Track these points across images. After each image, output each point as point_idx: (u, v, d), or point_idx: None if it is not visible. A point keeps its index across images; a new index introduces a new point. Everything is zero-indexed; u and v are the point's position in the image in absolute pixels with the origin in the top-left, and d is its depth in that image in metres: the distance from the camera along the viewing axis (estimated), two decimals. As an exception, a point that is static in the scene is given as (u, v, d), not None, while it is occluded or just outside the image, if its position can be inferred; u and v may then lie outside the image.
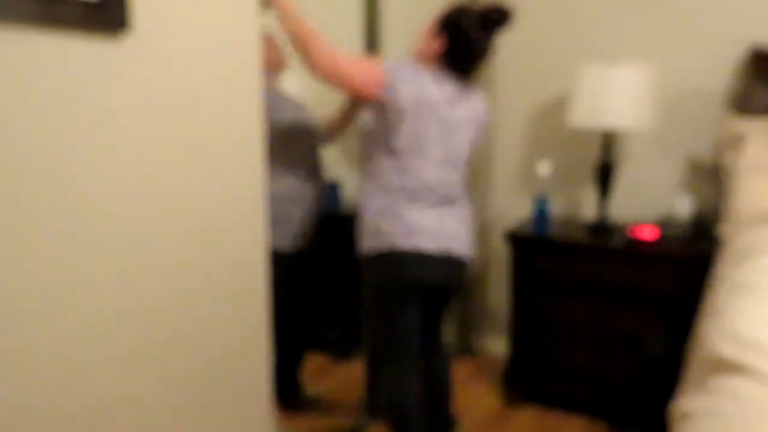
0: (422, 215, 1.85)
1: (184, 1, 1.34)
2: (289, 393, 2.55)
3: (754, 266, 1.69)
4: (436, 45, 1.87)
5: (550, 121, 2.83)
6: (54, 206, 1.14)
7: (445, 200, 1.90)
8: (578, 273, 2.43)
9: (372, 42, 2.28)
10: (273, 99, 2.19)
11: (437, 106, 1.83)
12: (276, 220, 2.12)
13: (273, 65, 2.21)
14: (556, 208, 2.90)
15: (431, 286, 1.92)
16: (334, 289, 3.02)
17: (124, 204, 1.26)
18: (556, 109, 2.79)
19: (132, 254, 1.29)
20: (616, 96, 2.37)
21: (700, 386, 1.21)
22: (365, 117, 1.97)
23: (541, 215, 2.52)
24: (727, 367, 1.19)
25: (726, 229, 2.21)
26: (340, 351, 3.05)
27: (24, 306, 1.11)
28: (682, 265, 2.28)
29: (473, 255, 1.92)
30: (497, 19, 1.83)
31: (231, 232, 1.54)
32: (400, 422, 1.97)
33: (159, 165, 1.33)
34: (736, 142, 2.30)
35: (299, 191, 2.21)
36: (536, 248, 2.50)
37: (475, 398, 2.72)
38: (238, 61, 1.50)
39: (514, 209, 2.98)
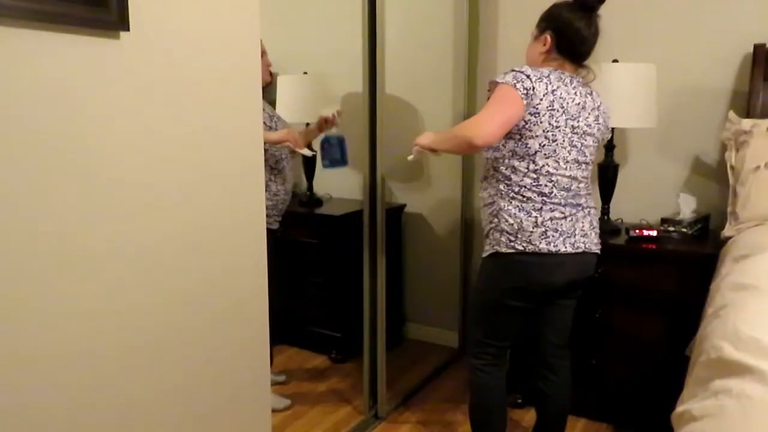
0: (554, 216, 1.86)
1: (184, 1, 1.34)
2: None
3: (757, 266, 1.68)
4: (543, 44, 1.90)
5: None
6: (53, 206, 1.13)
7: (576, 205, 1.90)
8: (580, 273, 2.42)
9: (372, 41, 2.28)
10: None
11: (567, 105, 1.84)
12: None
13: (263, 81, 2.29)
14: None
15: (558, 284, 1.93)
16: (334, 290, 3.02)
17: (124, 204, 1.26)
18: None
19: (132, 255, 1.29)
20: (620, 95, 2.37)
21: (703, 387, 1.20)
22: None
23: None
24: (730, 368, 1.18)
25: (729, 229, 2.21)
26: (341, 352, 3.05)
27: (24, 310, 1.10)
28: (684, 265, 2.27)
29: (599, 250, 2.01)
30: (593, 1, 1.85)
31: (231, 233, 1.53)
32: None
33: (159, 165, 1.32)
34: (739, 142, 2.29)
35: (267, 183, 2.39)
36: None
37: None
38: (238, 60, 1.49)
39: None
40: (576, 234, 1.88)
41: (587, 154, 1.91)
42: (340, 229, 2.94)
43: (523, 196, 1.85)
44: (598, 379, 2.45)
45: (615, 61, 2.43)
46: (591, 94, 1.93)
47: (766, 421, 1.01)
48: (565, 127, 1.83)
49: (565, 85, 1.85)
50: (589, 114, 1.89)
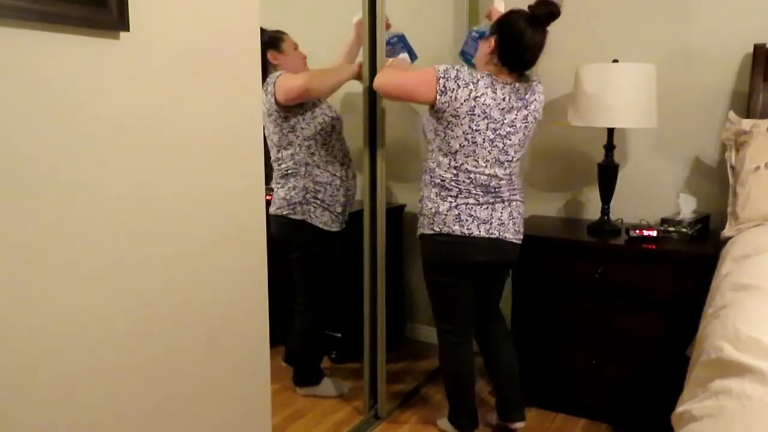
0: (469, 202, 2.07)
1: (184, 1, 1.34)
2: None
3: (758, 266, 1.68)
4: (489, 46, 2.03)
5: (553, 121, 2.82)
6: (53, 207, 1.13)
7: (495, 197, 2.09)
8: (580, 273, 2.42)
9: (372, 41, 2.28)
10: (312, 101, 2.43)
11: (490, 110, 1.99)
12: (324, 204, 2.46)
13: (301, 72, 2.43)
14: (559, 207, 2.89)
15: (479, 266, 2.15)
16: (334, 290, 3.01)
17: (123, 205, 1.26)
18: (559, 108, 2.78)
19: (130, 258, 1.29)
20: (620, 95, 2.37)
21: (704, 388, 1.20)
22: (423, 122, 2.18)
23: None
24: (730, 368, 1.18)
25: (729, 229, 2.20)
26: (342, 352, 3.04)
27: (24, 317, 1.10)
28: (684, 265, 2.27)
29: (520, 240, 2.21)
30: (543, 13, 1.94)
31: (232, 233, 1.53)
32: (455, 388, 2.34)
33: (159, 165, 1.32)
34: (739, 142, 2.29)
35: (339, 179, 2.50)
36: (538, 248, 2.49)
37: (475, 400, 2.71)
38: (238, 60, 1.49)
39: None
40: (492, 222, 2.09)
41: (510, 153, 2.07)
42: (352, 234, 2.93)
43: (442, 186, 2.08)
44: (599, 379, 2.45)
45: (615, 61, 2.43)
46: (524, 97, 2.05)
47: (766, 422, 1.01)
48: (486, 130, 2.01)
49: (494, 92, 2.00)
50: (516, 116, 2.04)
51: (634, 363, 2.38)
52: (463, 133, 2.00)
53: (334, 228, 2.52)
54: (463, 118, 1.99)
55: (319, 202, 2.45)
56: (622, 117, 2.39)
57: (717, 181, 2.58)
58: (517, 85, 2.05)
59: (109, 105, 1.20)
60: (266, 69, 2.43)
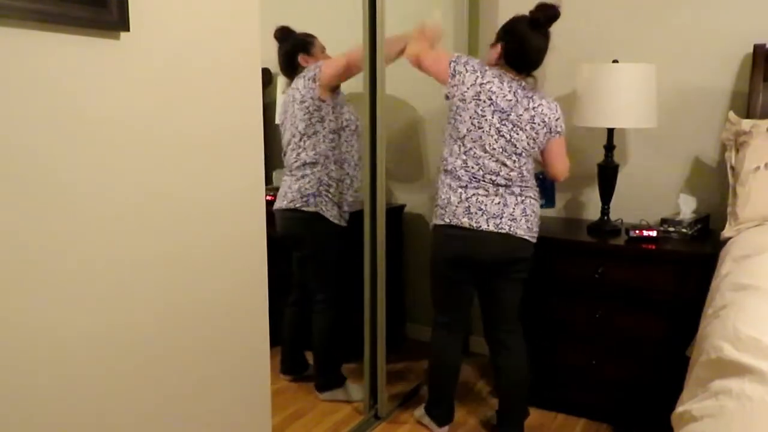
0: (478, 194, 2.11)
1: (184, 1, 1.34)
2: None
3: (758, 267, 1.68)
4: (495, 51, 2.14)
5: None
6: (52, 207, 1.13)
7: (506, 189, 2.12)
8: (580, 273, 2.42)
9: (372, 41, 2.28)
10: (339, 98, 2.51)
11: (496, 98, 2.08)
12: (335, 200, 2.51)
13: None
14: (558, 208, 2.89)
15: (485, 261, 2.17)
16: (334, 290, 3.01)
17: (123, 205, 1.26)
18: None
19: (130, 258, 1.29)
20: (620, 95, 2.37)
21: (703, 388, 1.20)
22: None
23: (543, 184, 2.45)
24: (730, 368, 1.18)
25: (729, 230, 2.20)
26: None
27: (24, 318, 1.10)
28: (684, 265, 2.27)
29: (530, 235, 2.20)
30: (543, 16, 2.06)
31: (232, 234, 1.53)
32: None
33: (159, 166, 1.32)
34: (739, 142, 2.29)
35: (350, 179, 2.55)
36: (538, 248, 2.49)
37: (476, 400, 2.72)
38: (238, 60, 1.49)
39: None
40: (503, 217, 2.11)
41: (519, 146, 2.11)
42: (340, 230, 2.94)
43: (454, 175, 2.14)
44: (598, 379, 2.45)
45: (615, 61, 2.43)
46: (530, 96, 2.12)
47: (766, 422, 1.01)
48: (492, 118, 2.08)
49: (501, 83, 2.10)
50: (523, 112, 2.10)
51: (634, 363, 2.38)
52: (470, 117, 2.09)
53: (342, 223, 2.56)
54: (470, 103, 2.09)
55: (330, 196, 2.50)
56: (622, 117, 2.39)
57: (717, 181, 2.57)
58: (523, 83, 2.14)
59: (110, 105, 1.20)
60: (295, 69, 2.56)
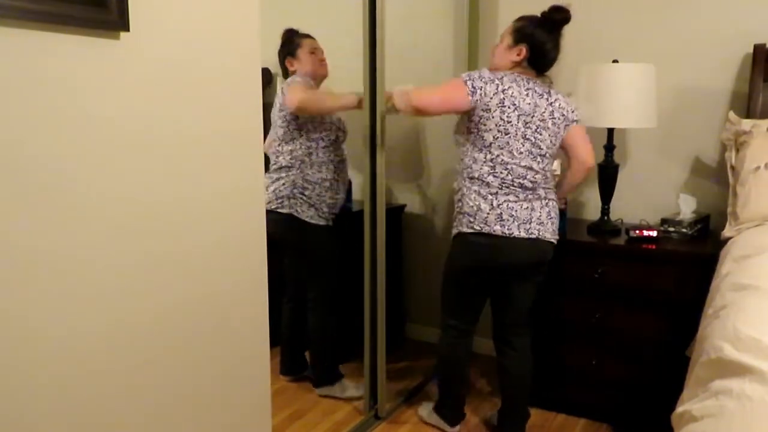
0: (509, 200, 2.11)
1: (184, 1, 1.33)
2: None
3: (758, 267, 1.68)
4: (516, 55, 2.14)
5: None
6: (52, 207, 1.13)
7: (533, 193, 2.14)
8: (580, 273, 2.42)
9: (372, 41, 2.28)
10: None
11: (519, 102, 2.09)
12: (310, 201, 2.53)
13: (314, 75, 2.56)
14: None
15: (517, 266, 2.19)
16: (335, 290, 3.01)
17: (123, 205, 1.26)
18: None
19: (130, 258, 1.29)
20: (620, 95, 2.37)
21: (704, 388, 1.20)
22: (453, 133, 2.26)
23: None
24: (730, 368, 1.18)
25: (729, 230, 2.20)
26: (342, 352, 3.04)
27: (24, 318, 1.10)
28: (684, 265, 2.27)
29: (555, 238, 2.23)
30: (559, 19, 2.13)
31: (231, 235, 1.53)
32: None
33: (158, 166, 1.32)
34: (739, 142, 2.29)
35: (329, 182, 2.56)
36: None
37: (476, 401, 2.71)
38: (238, 60, 1.49)
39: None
40: (532, 221, 2.13)
41: (543, 147, 2.14)
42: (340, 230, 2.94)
43: (482, 182, 2.12)
44: (598, 379, 2.45)
45: (615, 61, 2.43)
46: (547, 92, 2.16)
47: (766, 422, 1.01)
48: (517, 122, 2.09)
49: (518, 86, 2.10)
50: (545, 110, 2.12)
51: (634, 363, 2.38)
52: (495, 125, 2.09)
53: (321, 222, 2.58)
54: (494, 111, 2.08)
55: (305, 198, 2.51)
56: (622, 117, 2.39)
57: (717, 181, 2.57)
58: (538, 81, 2.17)
59: (109, 105, 1.20)
60: (286, 72, 2.61)
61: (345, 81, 2.95)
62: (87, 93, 1.16)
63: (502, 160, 2.09)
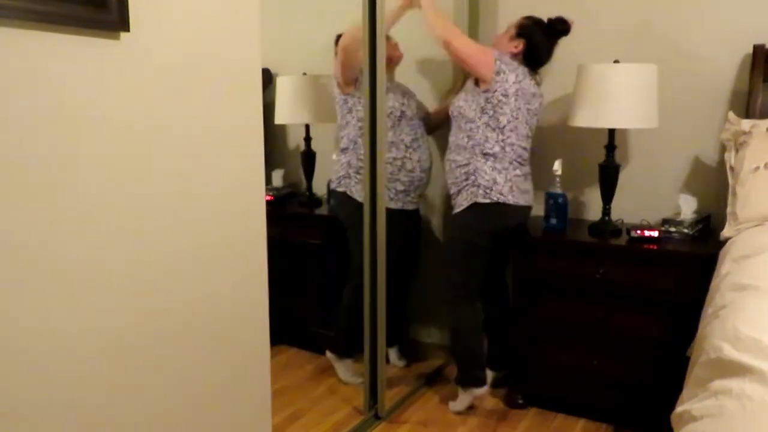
0: (516, 174, 2.44)
1: (184, 2, 1.34)
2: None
3: (757, 267, 1.68)
4: (514, 47, 2.45)
5: (553, 121, 2.82)
6: (52, 207, 1.13)
7: (526, 168, 2.50)
8: (581, 273, 2.41)
9: (372, 40, 2.28)
10: (389, 86, 2.60)
11: (527, 94, 2.41)
12: (363, 181, 2.52)
13: (390, 59, 2.60)
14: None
15: (514, 230, 2.51)
16: (335, 290, 3.02)
17: (123, 205, 1.26)
18: (559, 108, 2.78)
19: (130, 258, 1.29)
20: (620, 95, 2.37)
21: (703, 388, 1.20)
22: (458, 104, 2.47)
23: (557, 206, 2.57)
24: (729, 368, 1.18)
25: (729, 230, 2.20)
26: (341, 351, 3.03)
27: (24, 318, 1.11)
28: (685, 266, 2.26)
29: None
30: (562, 29, 2.45)
31: (233, 236, 1.53)
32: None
33: (159, 166, 1.33)
34: (739, 142, 2.29)
35: (401, 161, 2.66)
36: (538, 248, 2.49)
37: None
38: (239, 60, 1.49)
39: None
40: (529, 191, 2.53)
41: (532, 130, 2.52)
42: (340, 230, 2.94)
43: (496, 158, 2.41)
44: (598, 379, 2.45)
45: (616, 61, 2.43)
46: (539, 86, 2.52)
47: (766, 422, 1.01)
48: (524, 110, 2.43)
49: (527, 79, 2.43)
50: (538, 101, 2.49)
51: (634, 363, 2.38)
52: (511, 111, 2.39)
53: (390, 205, 2.62)
54: (512, 98, 2.38)
55: (360, 177, 2.59)
56: (623, 117, 2.39)
57: (717, 181, 2.57)
58: (535, 76, 2.50)
59: (110, 105, 1.20)
60: None
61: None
62: (87, 93, 1.16)
63: (511, 141, 2.41)
